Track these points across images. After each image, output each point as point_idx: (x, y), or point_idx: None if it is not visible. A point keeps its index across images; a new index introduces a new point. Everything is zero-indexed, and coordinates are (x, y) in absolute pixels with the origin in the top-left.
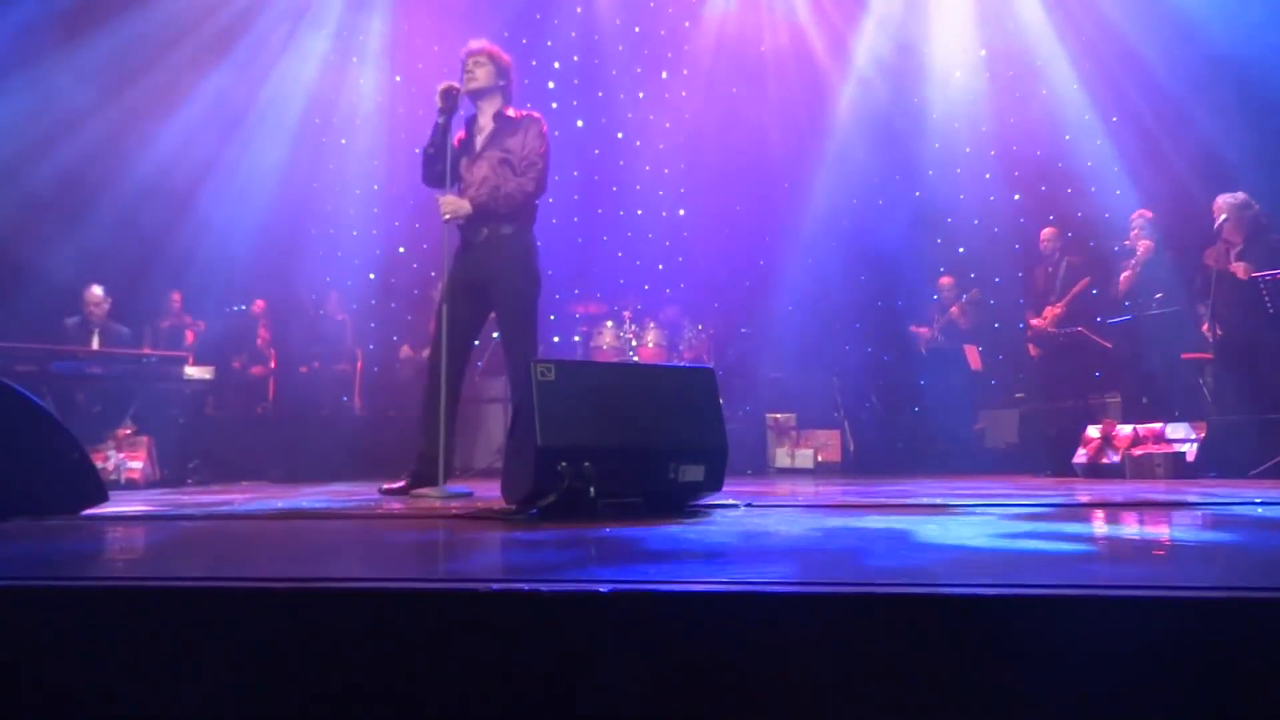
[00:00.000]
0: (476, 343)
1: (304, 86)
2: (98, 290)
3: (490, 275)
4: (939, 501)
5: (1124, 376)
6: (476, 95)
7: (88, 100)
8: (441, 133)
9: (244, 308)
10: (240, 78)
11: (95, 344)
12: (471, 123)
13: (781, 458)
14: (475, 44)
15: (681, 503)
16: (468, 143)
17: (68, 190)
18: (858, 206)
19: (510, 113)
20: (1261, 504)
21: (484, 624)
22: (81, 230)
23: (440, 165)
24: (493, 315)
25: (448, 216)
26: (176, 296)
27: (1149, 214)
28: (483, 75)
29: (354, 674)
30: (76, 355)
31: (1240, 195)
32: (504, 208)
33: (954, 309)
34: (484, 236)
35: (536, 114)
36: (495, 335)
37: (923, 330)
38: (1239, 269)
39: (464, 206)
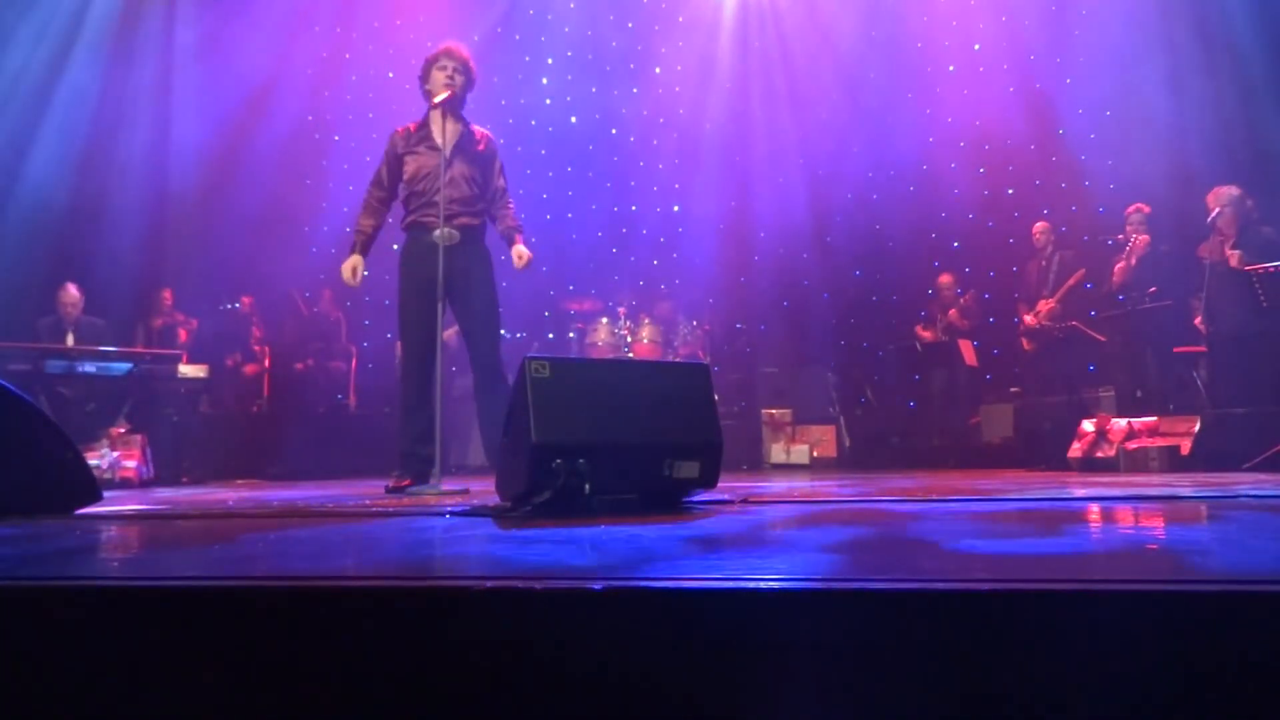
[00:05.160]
0: None
1: (294, 84)
2: (73, 289)
3: (461, 278)
4: (935, 497)
5: (1118, 370)
6: (451, 101)
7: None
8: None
9: (236, 305)
10: (232, 72)
11: (70, 342)
12: (428, 122)
13: (777, 453)
14: (455, 47)
15: (676, 499)
16: (430, 141)
17: (48, 186)
18: (852, 202)
19: (474, 128)
20: (1256, 496)
21: (478, 621)
22: (64, 227)
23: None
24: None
25: (525, 266)
26: (167, 294)
27: (1145, 208)
28: (459, 87)
29: (348, 672)
30: (70, 354)
31: (1234, 189)
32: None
33: (952, 311)
34: (457, 241)
35: (494, 137)
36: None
37: (927, 333)
38: (1232, 256)
39: (527, 255)
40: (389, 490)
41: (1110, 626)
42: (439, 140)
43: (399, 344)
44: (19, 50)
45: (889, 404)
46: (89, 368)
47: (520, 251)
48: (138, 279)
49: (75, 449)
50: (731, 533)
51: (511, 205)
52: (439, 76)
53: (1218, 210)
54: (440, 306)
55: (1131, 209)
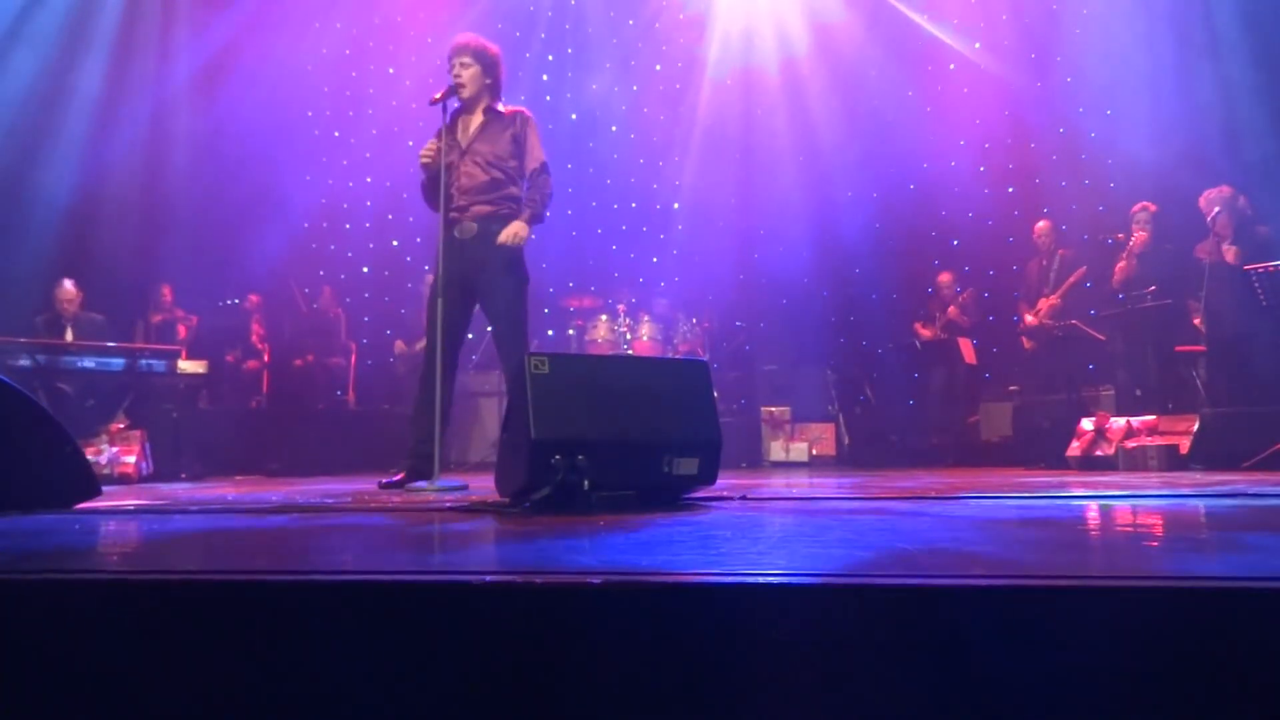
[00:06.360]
0: (470, 335)
1: (294, 80)
2: (69, 285)
3: (480, 271)
4: (933, 494)
5: (1117, 369)
6: (466, 98)
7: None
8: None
9: (237, 301)
10: (231, 69)
11: (69, 338)
12: (456, 116)
13: (776, 451)
14: (460, 40)
15: (675, 496)
16: (453, 139)
17: (49, 181)
18: (853, 199)
19: (500, 108)
20: (1254, 495)
21: (478, 615)
22: (65, 223)
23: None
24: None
25: (510, 241)
26: (167, 290)
27: (1152, 207)
28: (469, 78)
29: (348, 666)
30: (69, 349)
31: (1225, 189)
32: (539, 209)
33: (951, 309)
34: (475, 233)
35: (527, 111)
36: (489, 329)
37: (926, 331)
38: (1229, 252)
39: (523, 232)
40: (381, 486)
41: (1109, 624)
42: (459, 137)
43: (398, 340)
44: (20, 49)
45: (888, 402)
46: (88, 363)
47: (510, 229)
48: (137, 275)
49: (74, 444)
50: (730, 528)
51: (548, 182)
52: (452, 78)
53: (1216, 210)
54: (439, 305)
55: (1138, 208)
